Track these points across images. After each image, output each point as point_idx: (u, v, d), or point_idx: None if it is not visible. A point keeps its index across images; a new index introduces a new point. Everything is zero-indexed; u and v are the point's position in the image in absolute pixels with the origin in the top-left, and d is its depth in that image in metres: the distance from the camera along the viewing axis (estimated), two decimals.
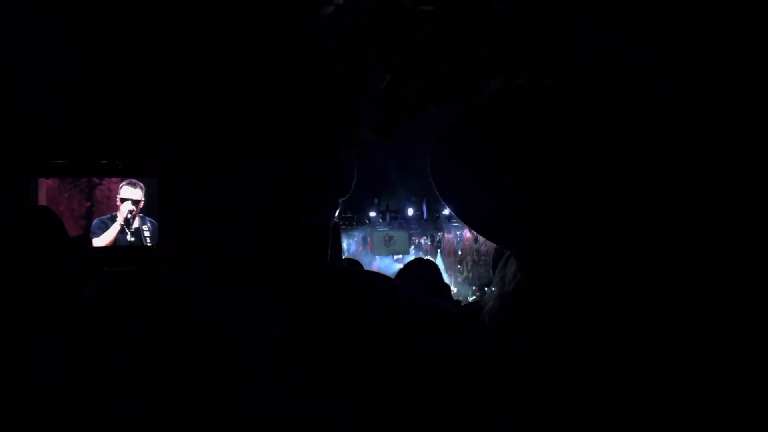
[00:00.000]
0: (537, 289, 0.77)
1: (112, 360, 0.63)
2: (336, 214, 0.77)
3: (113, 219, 5.56)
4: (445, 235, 10.22)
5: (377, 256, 9.78)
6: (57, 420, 0.63)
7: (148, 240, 5.56)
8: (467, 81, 6.01)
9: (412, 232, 10.01)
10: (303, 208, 0.70)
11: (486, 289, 7.65)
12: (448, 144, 0.80)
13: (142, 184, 5.61)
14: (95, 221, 5.53)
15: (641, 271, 0.73)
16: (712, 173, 0.78)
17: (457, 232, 10.02)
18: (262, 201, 0.68)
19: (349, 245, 9.68)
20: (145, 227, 5.59)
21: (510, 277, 0.80)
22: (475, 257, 9.61)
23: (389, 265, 9.37)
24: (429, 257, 7.88)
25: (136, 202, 5.59)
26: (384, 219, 9.90)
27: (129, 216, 5.55)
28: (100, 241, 5.48)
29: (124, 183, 5.58)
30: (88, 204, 5.55)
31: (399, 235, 9.86)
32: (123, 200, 5.58)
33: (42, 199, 5.37)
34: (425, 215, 9.91)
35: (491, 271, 1.74)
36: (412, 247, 10.09)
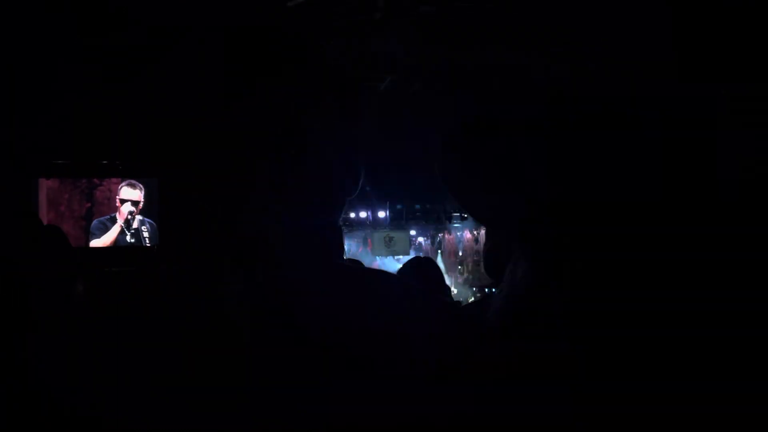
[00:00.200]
0: (543, 284, 0.78)
1: (111, 360, 0.63)
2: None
3: (113, 220, 5.56)
4: (446, 235, 10.22)
5: (378, 257, 9.79)
6: (57, 420, 0.63)
7: (147, 241, 5.57)
8: (466, 80, 5.99)
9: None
10: (311, 206, 0.71)
11: (486, 290, 7.66)
12: (455, 154, 0.84)
13: (141, 186, 5.61)
14: (94, 222, 5.53)
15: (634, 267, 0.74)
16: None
17: (458, 233, 10.02)
18: (270, 196, 0.68)
19: (350, 246, 9.69)
20: (144, 228, 5.59)
21: (520, 274, 0.81)
22: (476, 258, 9.62)
23: (390, 265, 9.38)
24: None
25: (135, 203, 5.59)
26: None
27: (129, 217, 5.56)
28: (100, 242, 5.49)
29: (123, 184, 5.58)
30: (89, 205, 5.55)
31: (399, 236, 9.86)
32: (123, 201, 5.58)
33: (42, 199, 5.37)
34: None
35: (486, 271, 1.77)
36: (412, 248, 10.10)
